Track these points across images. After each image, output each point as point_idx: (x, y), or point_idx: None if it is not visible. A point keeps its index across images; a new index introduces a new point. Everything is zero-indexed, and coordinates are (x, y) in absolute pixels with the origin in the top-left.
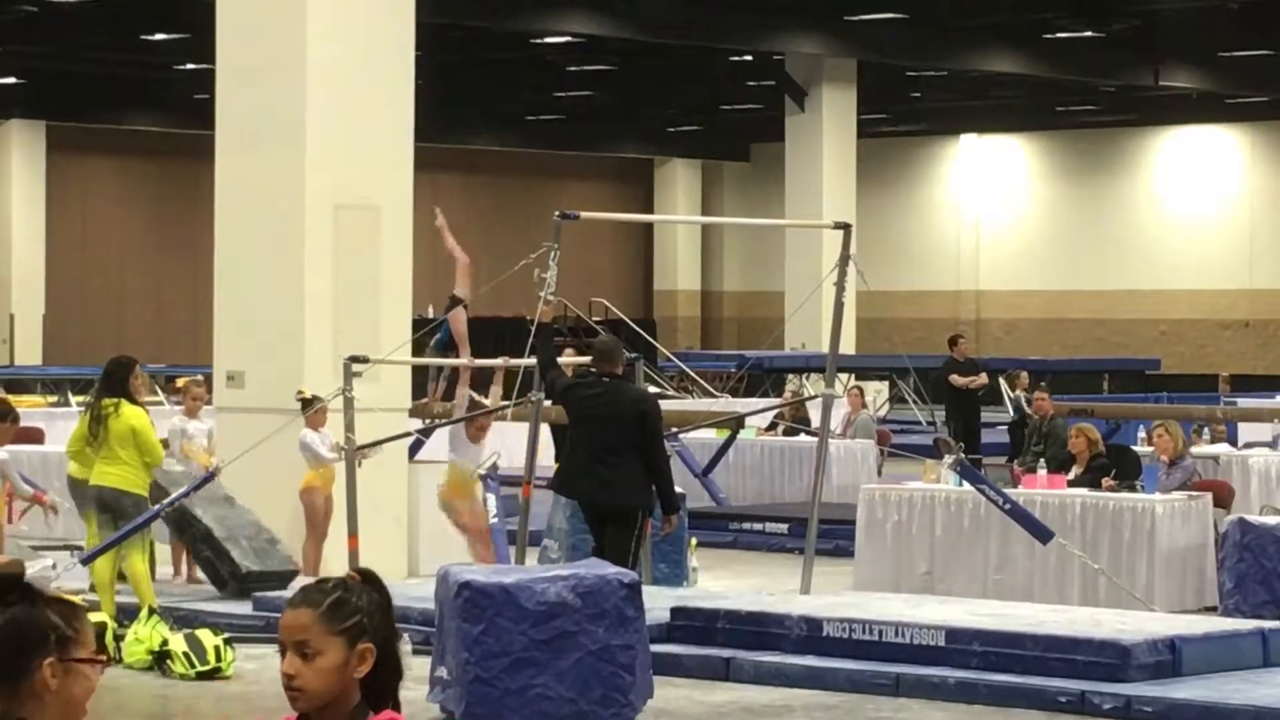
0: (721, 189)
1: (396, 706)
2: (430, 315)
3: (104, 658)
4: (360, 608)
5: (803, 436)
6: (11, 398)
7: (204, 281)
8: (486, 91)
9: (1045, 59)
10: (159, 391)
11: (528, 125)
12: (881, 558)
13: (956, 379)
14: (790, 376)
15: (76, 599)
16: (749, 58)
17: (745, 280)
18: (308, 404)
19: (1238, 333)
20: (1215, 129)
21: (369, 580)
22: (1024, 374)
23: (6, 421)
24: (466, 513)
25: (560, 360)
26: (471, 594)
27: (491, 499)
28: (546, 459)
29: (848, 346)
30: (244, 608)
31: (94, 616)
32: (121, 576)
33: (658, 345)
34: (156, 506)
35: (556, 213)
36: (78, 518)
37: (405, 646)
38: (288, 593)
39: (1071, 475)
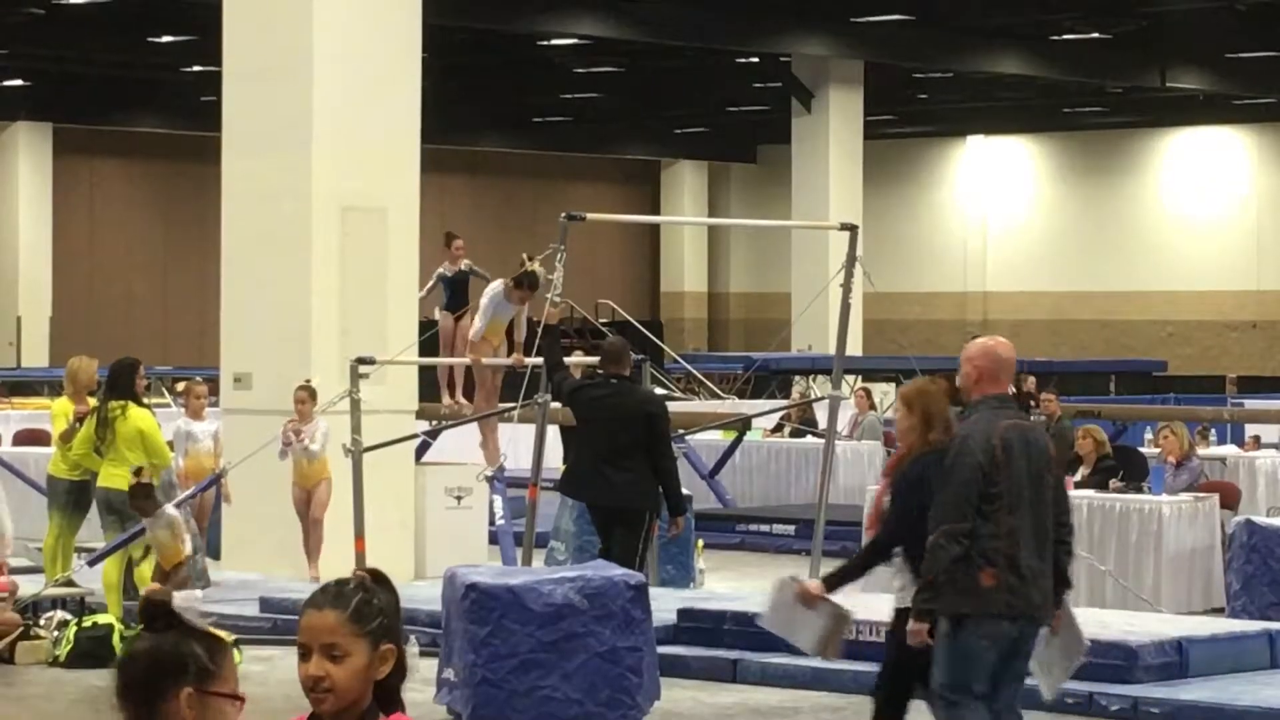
0: (728, 190)
1: (403, 708)
2: (436, 317)
3: (242, 696)
4: (381, 609)
5: (809, 438)
6: (18, 400)
7: (211, 283)
8: (493, 93)
9: (1052, 60)
10: (165, 393)
11: (534, 127)
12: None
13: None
14: (797, 378)
15: (226, 635)
16: (755, 59)
17: (752, 282)
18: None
19: (1245, 334)
20: (1222, 130)
21: (379, 580)
22: (1031, 378)
23: None
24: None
25: (568, 361)
26: (478, 596)
27: (498, 500)
28: (554, 461)
29: (854, 348)
30: (251, 609)
31: (102, 619)
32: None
33: (664, 347)
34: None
35: (563, 214)
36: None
37: (413, 649)
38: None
39: (1078, 477)
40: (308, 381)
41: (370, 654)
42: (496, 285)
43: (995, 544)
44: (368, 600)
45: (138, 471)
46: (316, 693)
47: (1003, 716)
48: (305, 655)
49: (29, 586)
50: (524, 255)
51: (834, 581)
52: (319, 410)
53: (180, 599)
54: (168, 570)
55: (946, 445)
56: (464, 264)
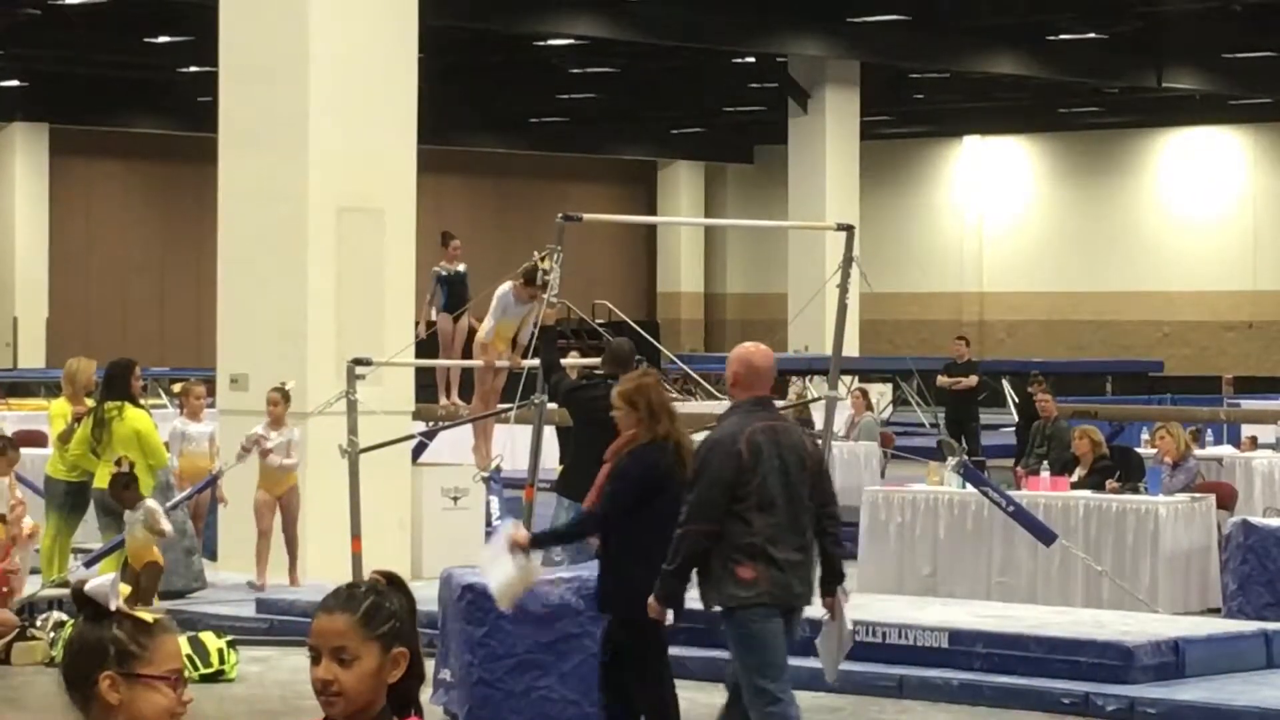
0: (724, 191)
1: (419, 710)
2: (434, 317)
3: (170, 676)
4: (394, 612)
5: None
6: (14, 401)
7: (207, 284)
8: (489, 93)
9: (1048, 60)
10: (162, 394)
11: (531, 127)
12: (885, 560)
13: (941, 379)
14: (794, 379)
15: (149, 616)
16: (751, 60)
17: (748, 282)
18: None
19: (1241, 334)
20: (1218, 130)
21: (394, 583)
22: (1042, 380)
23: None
24: (493, 360)
25: (564, 362)
26: (475, 596)
27: (495, 501)
28: (550, 461)
29: (851, 348)
30: (248, 610)
31: None
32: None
33: (661, 347)
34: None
35: (559, 215)
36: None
37: None
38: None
39: (1075, 477)
40: (282, 384)
41: (381, 657)
42: (505, 286)
43: (750, 541)
44: (379, 604)
45: (118, 461)
46: (326, 696)
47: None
48: (316, 658)
49: (26, 587)
50: (535, 253)
51: (540, 540)
52: (317, 411)
53: (92, 585)
54: (138, 570)
55: (673, 435)
56: (461, 265)
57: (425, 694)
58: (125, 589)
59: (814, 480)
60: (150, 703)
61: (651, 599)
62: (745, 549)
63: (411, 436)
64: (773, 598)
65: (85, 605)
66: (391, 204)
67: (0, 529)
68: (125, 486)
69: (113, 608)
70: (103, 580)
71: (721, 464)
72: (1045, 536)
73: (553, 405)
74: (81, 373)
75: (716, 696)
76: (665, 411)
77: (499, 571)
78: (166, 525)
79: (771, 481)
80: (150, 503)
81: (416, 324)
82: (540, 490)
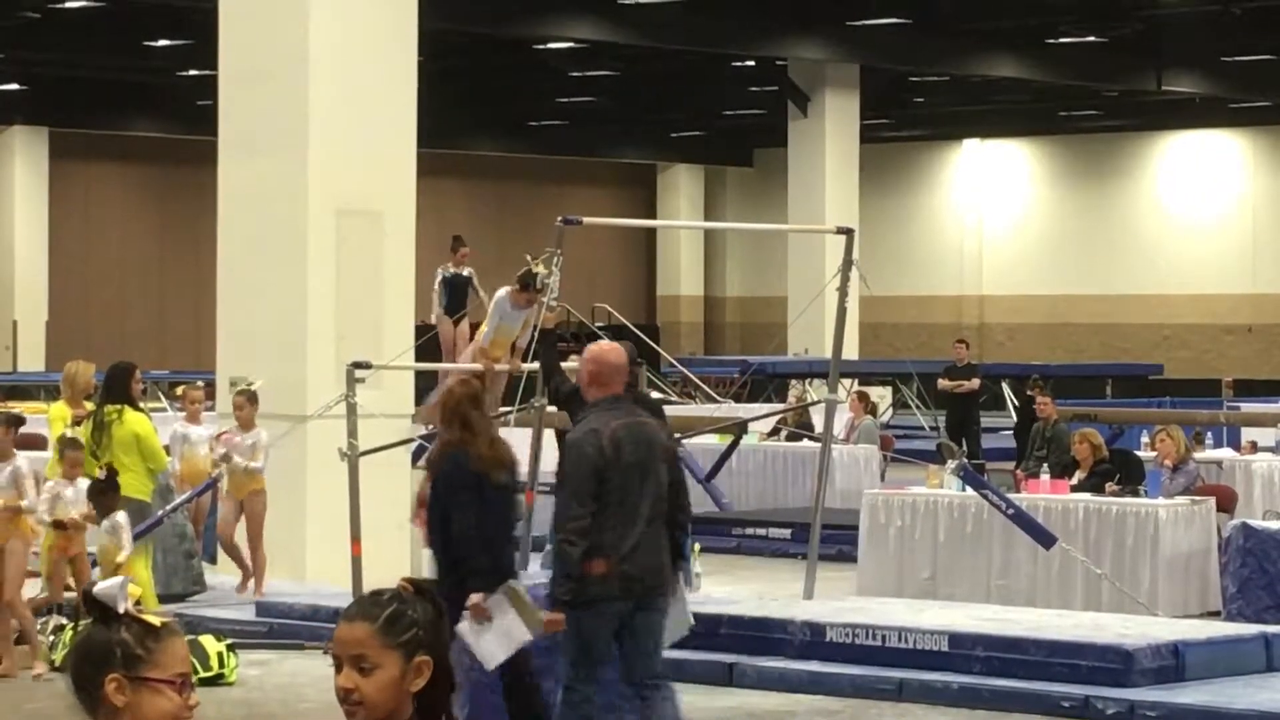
0: (724, 194)
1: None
2: (433, 320)
3: (177, 680)
4: (416, 620)
5: (805, 442)
6: (14, 404)
7: (207, 287)
8: (489, 97)
9: (1048, 64)
10: (162, 397)
11: (530, 130)
12: (884, 563)
13: (942, 382)
14: (793, 381)
15: (157, 619)
16: (751, 63)
17: (748, 285)
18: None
19: (1240, 337)
20: (1218, 134)
21: (421, 591)
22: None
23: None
24: (492, 365)
25: (564, 365)
26: None
27: None
28: (550, 464)
29: (850, 351)
30: (247, 613)
31: None
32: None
33: (661, 351)
34: (159, 512)
35: (559, 218)
36: None
37: None
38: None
39: (1075, 480)
40: (248, 385)
41: (402, 666)
42: (501, 292)
43: (604, 535)
44: (400, 612)
45: (105, 466)
46: (347, 704)
47: (647, 691)
48: (338, 666)
49: (26, 590)
50: (527, 256)
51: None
52: (317, 415)
53: (100, 587)
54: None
55: (466, 442)
56: (466, 270)
57: None
58: (135, 591)
59: (671, 475)
60: (156, 706)
61: (547, 614)
62: (600, 542)
63: (411, 440)
64: (622, 590)
65: (94, 608)
66: (391, 207)
67: (55, 535)
68: (101, 493)
69: (121, 610)
70: (111, 583)
71: (588, 461)
72: (1045, 539)
73: (553, 409)
74: (81, 376)
75: (717, 699)
76: (457, 420)
77: (512, 627)
78: (127, 546)
79: (630, 476)
80: (120, 517)
81: (422, 324)
82: (540, 494)
